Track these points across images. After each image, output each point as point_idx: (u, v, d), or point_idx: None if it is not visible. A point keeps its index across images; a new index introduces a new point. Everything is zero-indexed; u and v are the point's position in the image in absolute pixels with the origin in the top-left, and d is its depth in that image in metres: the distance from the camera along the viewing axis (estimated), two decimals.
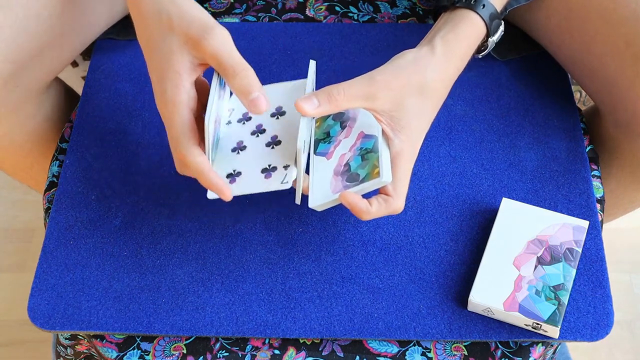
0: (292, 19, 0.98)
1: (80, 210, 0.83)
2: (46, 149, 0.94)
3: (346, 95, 0.70)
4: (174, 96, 0.69)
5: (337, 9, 0.99)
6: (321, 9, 0.99)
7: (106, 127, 0.89)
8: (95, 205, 0.84)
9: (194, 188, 0.84)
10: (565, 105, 0.89)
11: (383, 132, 0.73)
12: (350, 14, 0.98)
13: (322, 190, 0.73)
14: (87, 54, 1.18)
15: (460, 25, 0.75)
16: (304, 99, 0.70)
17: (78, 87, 1.07)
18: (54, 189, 0.87)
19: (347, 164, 0.73)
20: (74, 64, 1.32)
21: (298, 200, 0.74)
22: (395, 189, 0.71)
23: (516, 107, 0.89)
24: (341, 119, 0.77)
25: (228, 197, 0.70)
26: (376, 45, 0.95)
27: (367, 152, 0.72)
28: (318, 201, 0.73)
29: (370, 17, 0.98)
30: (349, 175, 0.72)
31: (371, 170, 0.71)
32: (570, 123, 0.88)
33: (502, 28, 0.78)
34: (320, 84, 0.92)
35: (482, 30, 0.77)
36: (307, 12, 0.99)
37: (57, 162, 0.89)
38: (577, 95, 0.96)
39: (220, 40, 0.68)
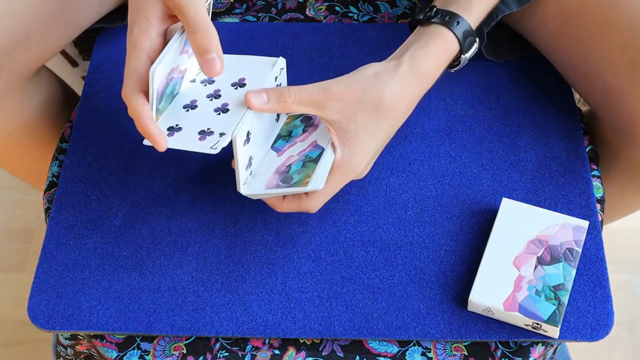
0: (292, 19, 0.98)
1: (80, 210, 0.83)
2: (39, 141, 0.94)
3: (296, 99, 0.71)
4: (137, 40, 0.70)
5: (337, 9, 0.99)
6: (321, 9, 0.99)
7: (106, 127, 0.89)
8: (95, 205, 0.84)
9: (194, 188, 0.84)
10: (565, 105, 0.89)
11: (332, 142, 0.74)
12: (350, 14, 0.98)
13: (259, 182, 0.75)
14: (87, 53, 1.18)
15: (431, 42, 0.75)
16: (254, 92, 0.71)
17: (78, 87, 1.07)
18: (54, 189, 0.87)
19: (289, 166, 0.74)
20: (74, 64, 1.32)
21: (238, 187, 0.74)
22: (314, 191, 0.73)
23: (516, 107, 0.89)
24: (307, 123, 0.77)
25: (162, 148, 0.70)
26: (376, 45, 0.95)
27: (309, 160, 0.73)
28: (251, 190, 0.74)
29: (370, 17, 0.98)
30: (285, 177, 0.74)
31: (303, 178, 0.72)
32: (570, 123, 0.88)
33: (476, 45, 0.78)
34: (318, 80, 0.92)
35: (454, 47, 0.76)
36: (307, 12, 0.99)
37: (57, 162, 0.89)
38: (577, 95, 0.96)
39: None
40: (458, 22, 0.75)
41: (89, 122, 0.90)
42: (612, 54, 0.80)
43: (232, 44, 0.95)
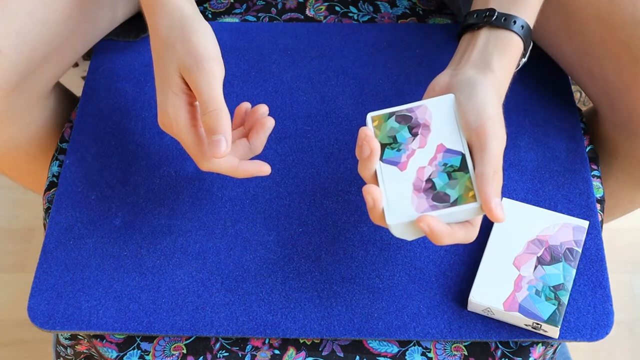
0: (292, 19, 0.98)
1: (80, 210, 0.83)
2: (49, 152, 0.94)
3: (499, 165, 0.68)
4: (177, 118, 0.72)
5: (337, 9, 0.99)
6: (321, 9, 0.99)
7: (106, 127, 0.89)
8: (95, 205, 0.84)
9: (194, 188, 0.84)
10: (565, 105, 0.89)
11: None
12: (350, 14, 0.98)
13: (402, 206, 0.67)
14: (87, 54, 1.18)
15: (508, 49, 0.74)
16: (494, 207, 0.65)
17: (78, 87, 1.07)
18: (54, 189, 0.87)
19: (430, 180, 0.68)
20: (74, 64, 1.32)
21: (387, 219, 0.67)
22: (476, 221, 0.68)
23: (516, 107, 0.89)
24: (409, 123, 0.71)
25: (268, 171, 0.75)
26: (376, 45, 0.95)
27: (453, 170, 0.68)
28: (397, 218, 0.66)
29: (370, 17, 0.98)
30: (435, 194, 0.67)
31: (464, 192, 0.66)
32: (570, 123, 0.88)
33: (530, 46, 0.77)
34: (319, 84, 0.92)
35: (521, 51, 0.75)
36: (307, 12, 0.99)
37: (57, 162, 0.89)
38: (577, 95, 0.96)
39: (206, 76, 0.70)
40: (522, 26, 0.75)
41: (89, 122, 0.90)
42: (614, 50, 0.80)
43: (232, 44, 0.95)
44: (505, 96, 0.74)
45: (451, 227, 0.66)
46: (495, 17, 0.75)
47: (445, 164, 0.68)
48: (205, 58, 0.70)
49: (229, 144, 0.69)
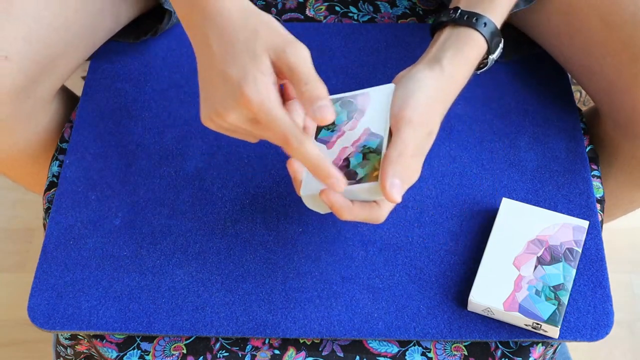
0: (292, 19, 0.98)
1: (80, 210, 0.83)
2: (51, 152, 0.94)
3: (410, 154, 0.69)
4: (270, 95, 0.67)
5: (337, 9, 0.99)
6: (321, 9, 0.99)
7: (106, 127, 0.89)
8: (95, 205, 0.84)
9: (194, 188, 0.84)
10: (565, 105, 0.89)
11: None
12: (350, 14, 0.98)
13: (316, 180, 0.70)
14: None
15: (466, 46, 0.75)
16: (393, 189, 0.67)
17: (78, 87, 1.07)
18: (54, 189, 0.87)
19: (347, 159, 0.72)
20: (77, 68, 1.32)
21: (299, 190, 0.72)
22: (383, 200, 0.71)
23: (516, 107, 0.89)
24: (349, 108, 0.75)
25: (338, 187, 0.67)
26: (376, 45, 0.95)
27: (369, 152, 0.71)
28: (308, 190, 0.70)
29: (370, 17, 0.98)
30: (347, 172, 0.70)
31: (370, 172, 0.70)
32: (570, 123, 0.88)
33: (501, 45, 0.78)
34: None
35: (484, 49, 0.76)
36: (307, 12, 0.99)
37: (57, 162, 0.89)
38: (577, 95, 0.96)
39: (302, 55, 0.68)
40: (485, 24, 0.75)
41: (89, 122, 0.90)
42: (614, 49, 0.80)
43: None
44: (459, 92, 0.76)
45: (353, 203, 0.70)
46: (458, 14, 0.76)
47: (364, 146, 0.71)
48: (294, 39, 0.69)
49: (334, 112, 0.67)
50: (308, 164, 0.67)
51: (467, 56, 0.75)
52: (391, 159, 0.68)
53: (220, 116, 0.69)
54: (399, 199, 0.67)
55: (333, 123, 0.74)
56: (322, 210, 0.72)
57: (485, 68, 0.79)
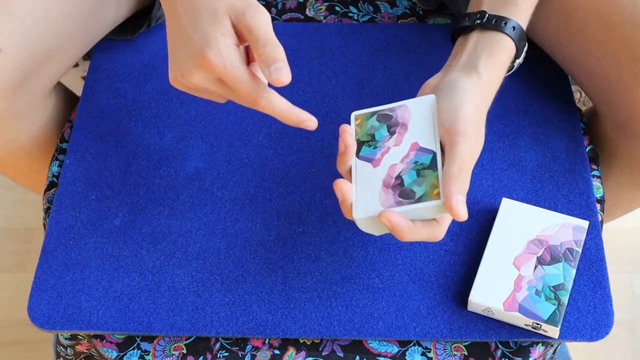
0: (292, 19, 0.98)
1: (80, 210, 0.83)
2: (50, 152, 0.94)
3: (469, 167, 0.68)
4: (230, 56, 0.67)
5: (337, 9, 0.99)
6: (321, 9, 0.99)
7: (106, 127, 0.89)
8: (95, 205, 0.84)
9: (194, 188, 0.84)
10: (565, 105, 0.89)
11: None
12: (350, 14, 0.98)
13: (369, 201, 0.68)
14: (87, 54, 1.18)
15: (497, 51, 0.74)
16: (458, 206, 0.65)
17: (78, 87, 1.07)
18: (54, 189, 0.87)
19: (399, 177, 0.68)
20: (74, 64, 1.32)
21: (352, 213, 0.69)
22: (443, 218, 0.69)
23: (516, 107, 0.89)
24: (389, 122, 0.72)
25: (314, 126, 0.69)
26: (376, 45, 0.95)
27: (423, 168, 0.68)
28: (363, 213, 0.68)
29: (370, 17, 0.98)
30: (402, 191, 0.67)
31: (430, 190, 0.66)
32: (570, 123, 0.88)
33: (526, 48, 0.77)
34: (320, 84, 0.92)
35: (513, 53, 0.75)
36: (307, 12, 0.99)
37: (57, 162, 0.89)
38: (577, 95, 0.96)
39: (261, 18, 0.69)
40: (514, 28, 0.75)
41: (89, 122, 0.90)
42: (614, 49, 0.80)
43: None
44: (494, 97, 0.74)
45: (414, 223, 0.67)
46: (485, 19, 0.75)
47: (416, 162, 0.69)
48: (255, 3, 0.69)
49: (289, 72, 0.67)
50: (279, 115, 0.68)
51: (500, 61, 0.74)
52: (453, 175, 0.66)
53: (185, 77, 0.70)
54: (466, 216, 0.65)
55: (374, 139, 0.72)
56: (377, 232, 0.70)
57: (511, 72, 0.78)
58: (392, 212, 0.66)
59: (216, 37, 0.68)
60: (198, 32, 0.69)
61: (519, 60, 0.77)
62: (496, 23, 0.75)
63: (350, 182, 0.70)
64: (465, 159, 0.67)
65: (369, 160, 0.71)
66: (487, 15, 0.75)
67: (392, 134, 0.72)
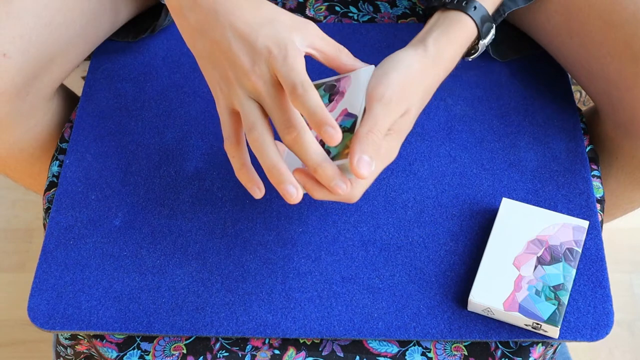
0: None
1: (80, 210, 0.83)
2: (51, 152, 0.94)
3: (382, 130, 0.69)
4: (305, 71, 0.68)
5: (337, 9, 0.99)
6: (321, 9, 0.99)
7: (106, 127, 0.89)
8: (95, 205, 0.84)
9: (194, 188, 0.84)
10: (565, 105, 0.89)
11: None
12: (350, 14, 0.98)
13: (293, 162, 0.71)
14: None
15: (452, 28, 0.75)
16: (361, 164, 0.67)
17: (78, 87, 1.07)
18: (54, 189, 0.87)
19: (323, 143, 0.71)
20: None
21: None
22: (357, 179, 0.70)
23: (516, 107, 0.89)
24: (331, 92, 0.75)
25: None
26: (376, 45, 0.95)
27: (344, 131, 0.70)
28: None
29: (370, 17, 0.98)
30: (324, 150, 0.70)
31: (342, 149, 0.69)
32: (570, 123, 0.88)
33: (493, 31, 0.78)
34: None
35: (473, 32, 0.77)
36: (307, 12, 0.99)
37: (57, 162, 0.89)
38: (577, 95, 0.96)
39: (318, 29, 0.72)
40: (475, 8, 0.76)
41: (89, 122, 0.90)
42: (615, 49, 0.80)
43: None
44: (446, 75, 0.76)
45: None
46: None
47: (340, 126, 0.71)
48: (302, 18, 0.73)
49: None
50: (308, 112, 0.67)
51: (454, 38, 0.75)
52: (360, 136, 0.68)
53: (247, 74, 0.69)
54: (366, 175, 0.66)
55: None
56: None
57: (476, 54, 0.79)
58: (302, 169, 0.68)
59: (289, 47, 0.68)
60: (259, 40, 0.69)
61: (484, 42, 0.78)
62: (458, 3, 0.76)
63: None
64: (378, 121, 0.68)
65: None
66: None
67: (330, 101, 0.73)
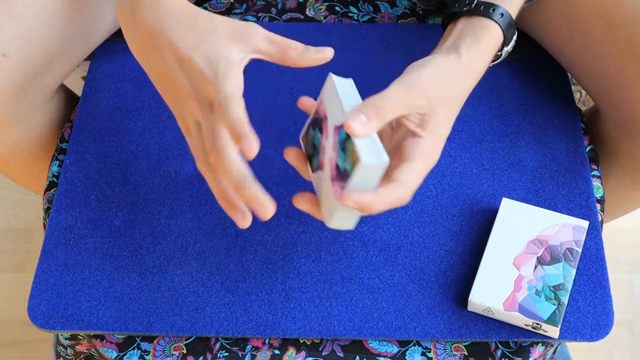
0: (292, 19, 0.98)
1: (80, 210, 0.83)
2: (51, 152, 0.94)
3: (390, 108, 0.67)
4: (233, 87, 0.66)
5: (337, 9, 0.99)
6: (321, 9, 0.99)
7: (106, 127, 0.89)
8: (95, 205, 0.84)
9: (194, 188, 0.84)
10: (565, 105, 0.89)
11: (411, 131, 0.69)
12: (350, 14, 0.98)
13: (330, 205, 0.68)
14: None
15: (482, 35, 0.74)
16: (352, 116, 0.65)
17: (78, 87, 1.07)
18: (54, 189, 0.87)
19: (337, 165, 0.68)
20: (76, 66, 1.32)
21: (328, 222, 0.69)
22: (405, 177, 0.68)
23: (516, 107, 0.89)
24: (319, 125, 0.72)
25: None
26: (376, 45, 0.95)
27: (345, 142, 0.67)
28: (332, 218, 0.68)
29: (370, 17, 0.98)
30: (340, 175, 0.67)
31: (352, 157, 0.65)
32: (570, 123, 0.88)
33: (515, 37, 0.77)
34: (320, 84, 0.92)
35: (499, 40, 0.75)
36: (307, 12, 0.99)
37: (57, 162, 0.89)
38: (577, 95, 0.96)
39: (261, 30, 0.70)
40: (502, 14, 0.74)
41: (89, 122, 0.90)
42: (616, 48, 0.80)
43: None
44: (477, 82, 0.74)
45: (375, 192, 0.66)
46: (474, 4, 0.75)
47: (340, 142, 0.68)
48: (247, 22, 0.72)
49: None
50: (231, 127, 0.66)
51: (485, 46, 0.74)
52: (366, 100, 0.66)
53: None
54: (357, 130, 0.64)
55: (314, 146, 0.72)
56: (352, 223, 0.69)
57: (498, 61, 0.78)
58: (349, 193, 0.65)
59: (221, 64, 0.67)
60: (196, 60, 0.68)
61: (507, 49, 0.77)
62: (484, 9, 0.74)
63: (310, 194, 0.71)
64: (389, 93, 0.67)
65: (317, 168, 0.71)
66: (475, 1, 0.75)
67: (321, 132, 0.71)
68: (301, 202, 0.70)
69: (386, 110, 0.67)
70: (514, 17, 0.76)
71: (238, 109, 0.65)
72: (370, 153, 0.64)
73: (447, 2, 0.94)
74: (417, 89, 0.69)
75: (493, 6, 0.74)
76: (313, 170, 0.72)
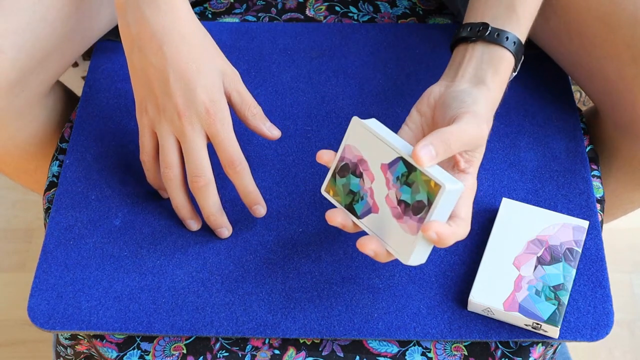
0: (292, 19, 0.98)
1: (80, 210, 0.83)
2: (49, 151, 0.94)
3: (458, 144, 0.67)
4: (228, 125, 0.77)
5: (337, 9, 0.99)
6: (321, 9, 0.99)
7: (106, 127, 0.89)
8: (95, 205, 0.84)
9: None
10: (565, 105, 0.90)
11: (458, 167, 0.69)
12: (350, 14, 0.98)
13: (401, 241, 0.68)
14: (87, 54, 1.18)
15: (501, 68, 0.74)
16: (421, 147, 0.65)
17: (78, 87, 1.07)
18: (54, 189, 0.87)
19: (401, 201, 0.67)
20: (74, 64, 1.32)
21: (406, 260, 0.68)
22: (465, 212, 0.68)
23: (516, 107, 0.89)
24: (350, 170, 0.71)
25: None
26: (376, 45, 0.95)
27: (406, 177, 0.67)
28: (411, 254, 0.67)
29: (370, 17, 0.98)
30: (412, 209, 0.67)
31: (427, 187, 0.65)
32: (570, 123, 0.88)
33: (521, 61, 0.77)
34: (319, 84, 0.92)
35: (512, 67, 0.76)
36: (307, 12, 0.99)
37: (57, 162, 0.89)
38: (577, 95, 0.96)
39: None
40: (515, 43, 0.75)
41: (89, 122, 0.90)
42: (615, 50, 0.80)
43: (232, 44, 0.95)
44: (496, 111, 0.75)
45: (450, 225, 0.67)
46: (488, 32, 0.75)
47: (397, 178, 0.68)
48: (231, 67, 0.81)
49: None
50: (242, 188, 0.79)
51: (504, 77, 0.75)
52: (437, 130, 0.66)
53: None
54: (423, 160, 0.64)
55: (353, 192, 0.70)
56: (425, 257, 0.69)
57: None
58: (430, 224, 0.65)
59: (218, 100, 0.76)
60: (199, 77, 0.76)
61: (514, 74, 0.78)
62: (499, 37, 0.74)
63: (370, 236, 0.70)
64: (462, 126, 0.67)
65: (368, 212, 0.70)
66: (490, 28, 0.75)
67: (360, 176, 0.70)
68: (367, 248, 0.68)
69: (454, 149, 0.67)
70: (523, 42, 0.76)
71: (250, 174, 0.79)
72: (448, 179, 0.65)
73: (459, 13, 0.94)
74: (481, 117, 0.69)
75: (506, 34, 0.75)
76: (360, 217, 0.70)
